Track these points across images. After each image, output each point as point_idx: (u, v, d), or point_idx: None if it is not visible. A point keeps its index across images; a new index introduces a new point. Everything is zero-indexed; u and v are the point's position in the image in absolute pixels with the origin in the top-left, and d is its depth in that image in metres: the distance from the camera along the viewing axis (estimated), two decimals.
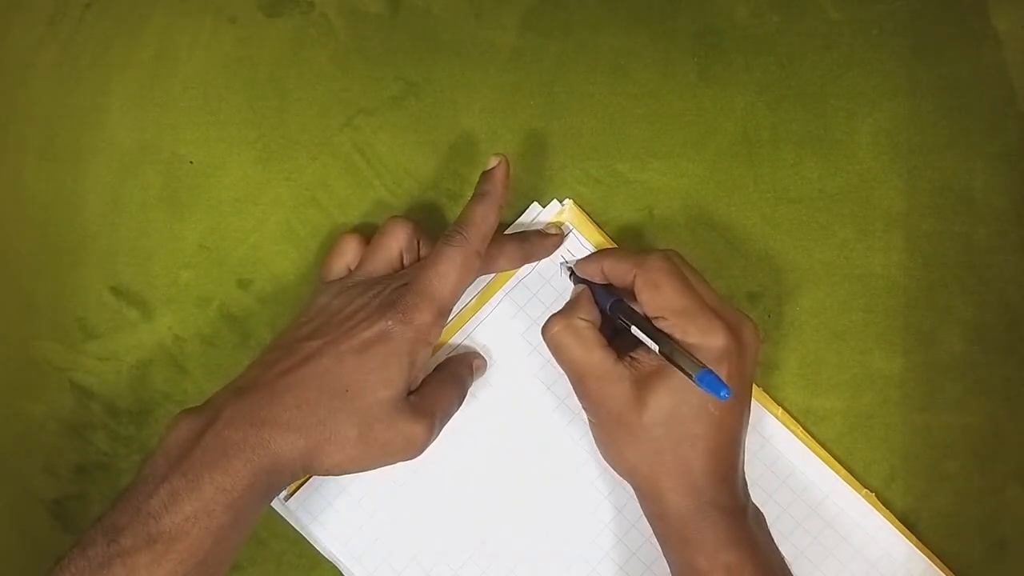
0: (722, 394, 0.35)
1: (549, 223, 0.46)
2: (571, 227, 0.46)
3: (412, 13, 0.47)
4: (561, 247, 0.46)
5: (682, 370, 0.37)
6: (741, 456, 0.40)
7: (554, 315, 0.41)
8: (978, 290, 0.46)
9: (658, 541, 0.40)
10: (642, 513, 0.41)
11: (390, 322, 0.38)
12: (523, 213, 0.46)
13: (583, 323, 0.40)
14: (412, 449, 0.39)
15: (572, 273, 0.45)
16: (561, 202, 0.46)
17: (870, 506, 0.45)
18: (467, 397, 0.45)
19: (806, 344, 0.46)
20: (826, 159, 0.46)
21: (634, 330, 0.39)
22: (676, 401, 0.38)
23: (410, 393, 0.39)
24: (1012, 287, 0.46)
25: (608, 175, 0.47)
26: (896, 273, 0.46)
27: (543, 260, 0.46)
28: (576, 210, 0.46)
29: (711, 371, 0.36)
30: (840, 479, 0.45)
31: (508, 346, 0.46)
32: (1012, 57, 0.46)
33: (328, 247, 0.45)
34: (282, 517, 0.45)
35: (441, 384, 0.41)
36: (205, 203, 0.47)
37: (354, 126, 0.47)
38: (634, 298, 0.40)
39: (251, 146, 0.47)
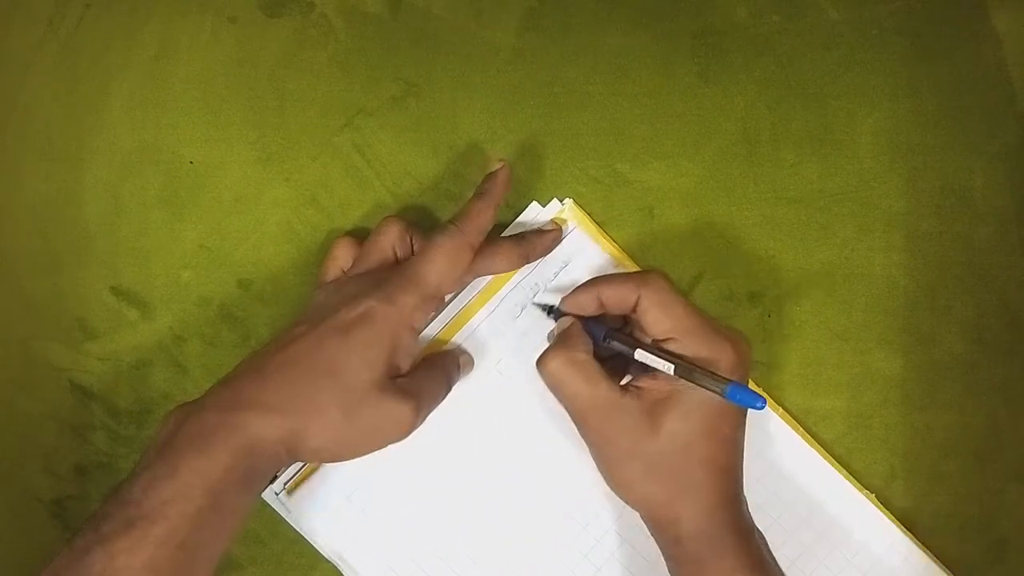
0: (758, 405, 0.35)
1: (549, 221, 0.46)
2: (571, 227, 0.46)
3: (412, 13, 0.47)
4: (560, 247, 0.46)
5: (707, 388, 0.36)
6: (743, 475, 0.40)
7: (550, 350, 0.40)
8: (978, 290, 0.46)
9: (669, 565, 0.40)
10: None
11: (373, 302, 0.38)
12: (523, 213, 0.46)
13: (584, 356, 0.39)
14: (398, 432, 0.38)
15: (550, 310, 0.44)
16: (561, 202, 0.46)
17: (870, 506, 0.45)
18: (468, 401, 0.45)
19: (806, 344, 0.46)
20: (826, 159, 0.46)
21: (639, 355, 0.38)
22: (690, 425, 0.38)
23: (396, 378, 0.39)
24: (1012, 287, 0.46)
25: (608, 175, 0.47)
26: (896, 273, 0.46)
27: (540, 261, 0.45)
28: (576, 210, 0.46)
29: (740, 384, 0.35)
30: (840, 479, 0.45)
31: (507, 348, 0.46)
32: (1012, 57, 0.46)
33: (327, 249, 0.45)
34: (282, 517, 0.45)
35: (428, 370, 0.41)
36: (205, 203, 0.47)
37: (354, 126, 0.47)
38: (623, 324, 0.40)
39: (251, 146, 0.47)
